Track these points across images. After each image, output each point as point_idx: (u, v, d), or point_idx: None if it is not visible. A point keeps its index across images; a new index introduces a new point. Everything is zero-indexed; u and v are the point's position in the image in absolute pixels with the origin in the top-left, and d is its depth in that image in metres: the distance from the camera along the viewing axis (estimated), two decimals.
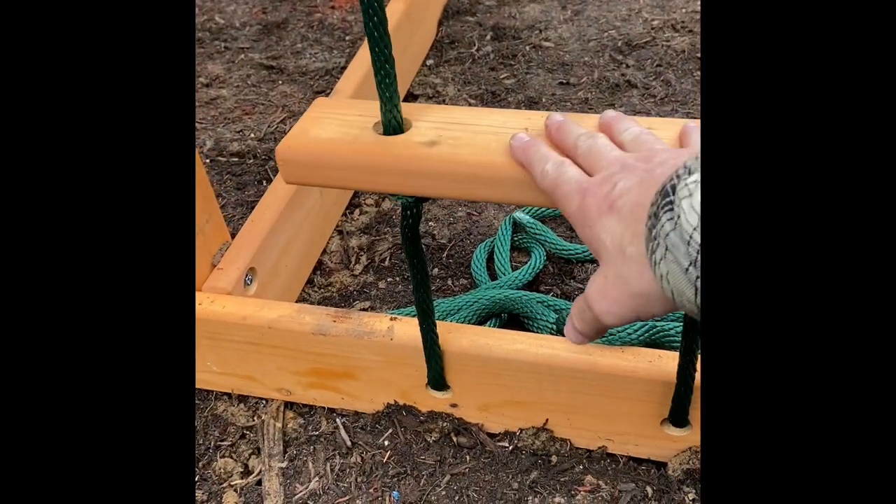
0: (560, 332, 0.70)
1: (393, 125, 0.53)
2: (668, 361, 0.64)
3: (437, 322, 0.71)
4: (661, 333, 0.68)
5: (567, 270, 0.90)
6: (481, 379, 0.70)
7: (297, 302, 0.92)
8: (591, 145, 0.44)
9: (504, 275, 0.89)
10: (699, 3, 1.41)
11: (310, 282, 0.95)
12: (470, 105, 1.24)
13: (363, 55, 1.18)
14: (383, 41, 0.48)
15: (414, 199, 0.54)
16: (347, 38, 1.49)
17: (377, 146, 0.53)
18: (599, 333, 0.44)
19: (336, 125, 0.55)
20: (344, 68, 1.30)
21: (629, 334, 0.66)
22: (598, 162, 0.43)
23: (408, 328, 0.70)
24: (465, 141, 0.53)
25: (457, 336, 0.69)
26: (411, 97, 1.28)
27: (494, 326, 0.82)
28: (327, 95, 1.31)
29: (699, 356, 0.60)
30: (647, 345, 0.68)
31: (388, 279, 0.94)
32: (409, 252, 0.58)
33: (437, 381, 0.71)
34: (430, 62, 1.37)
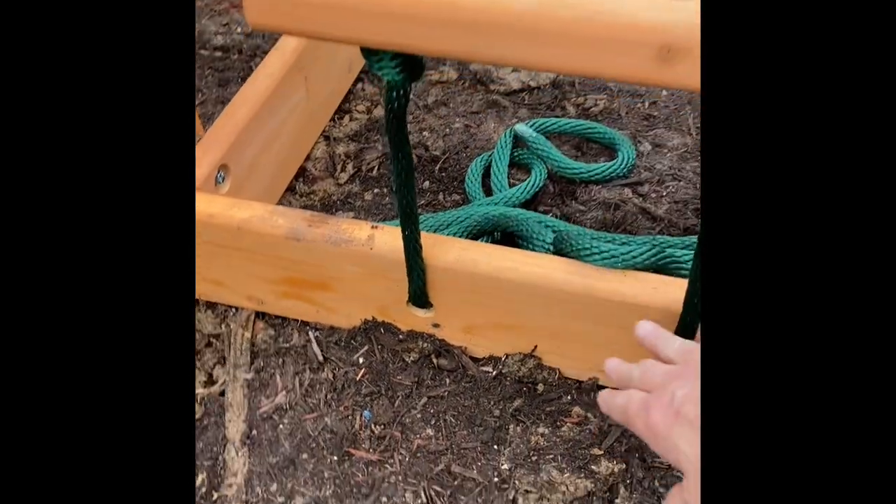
0: (558, 253, 0.64)
1: None
2: (673, 289, 0.58)
3: (423, 234, 0.65)
4: (670, 259, 0.62)
5: (569, 191, 0.83)
6: (467, 297, 0.64)
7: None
8: (644, 370, 0.48)
9: (500, 192, 0.82)
10: None
11: (291, 189, 0.89)
12: None
13: None
14: None
15: (402, 77, 0.46)
16: None
17: None
18: None
19: None
20: None
21: (633, 257, 0.60)
22: (652, 380, 0.47)
23: (390, 238, 0.64)
24: None
25: (442, 249, 0.63)
26: None
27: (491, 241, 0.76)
28: None
29: None
30: (654, 270, 0.62)
31: (375, 190, 0.87)
32: (393, 143, 0.51)
33: (419, 297, 0.65)
34: None
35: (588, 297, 0.60)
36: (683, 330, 0.57)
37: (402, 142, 0.52)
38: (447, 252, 0.63)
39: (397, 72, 0.46)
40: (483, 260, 0.62)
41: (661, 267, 0.62)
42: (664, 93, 0.98)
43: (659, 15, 0.38)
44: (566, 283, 0.60)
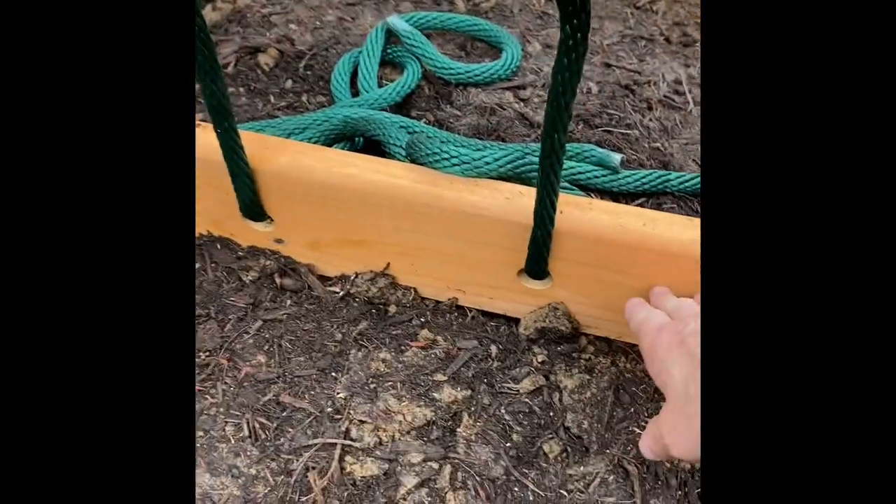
0: (411, 159, 0.56)
1: None
2: (529, 201, 0.52)
3: (251, 134, 0.56)
4: (530, 167, 0.55)
5: (444, 93, 0.75)
6: (307, 210, 0.56)
7: None
8: (680, 304, 0.48)
9: (367, 93, 0.73)
10: None
11: None
12: None
13: None
14: None
15: None
16: None
17: None
18: (669, 458, 0.46)
19: None
20: None
21: (487, 163, 0.53)
22: (679, 311, 0.46)
23: (214, 138, 0.55)
24: None
25: (274, 152, 0.55)
26: None
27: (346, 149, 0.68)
28: None
29: (558, 194, 0.48)
30: (512, 179, 0.56)
31: (230, 89, 0.77)
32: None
33: (250, 208, 0.57)
34: None
35: (436, 208, 0.53)
36: (535, 245, 0.51)
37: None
38: (279, 155, 0.55)
39: None
40: (320, 166, 0.54)
41: (521, 175, 0.55)
42: None
43: None
44: (412, 193, 0.53)
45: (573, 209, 0.52)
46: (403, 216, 0.55)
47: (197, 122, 0.56)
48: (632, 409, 0.52)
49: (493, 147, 0.63)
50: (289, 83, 0.77)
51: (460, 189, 0.53)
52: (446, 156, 0.53)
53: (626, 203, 0.66)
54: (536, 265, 0.54)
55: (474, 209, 0.52)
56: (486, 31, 0.80)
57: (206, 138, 0.55)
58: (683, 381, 0.40)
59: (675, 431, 0.40)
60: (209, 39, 0.45)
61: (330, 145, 0.68)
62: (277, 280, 0.60)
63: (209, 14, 0.86)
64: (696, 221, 0.51)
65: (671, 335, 0.43)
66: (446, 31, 0.82)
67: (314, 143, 0.67)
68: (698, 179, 0.66)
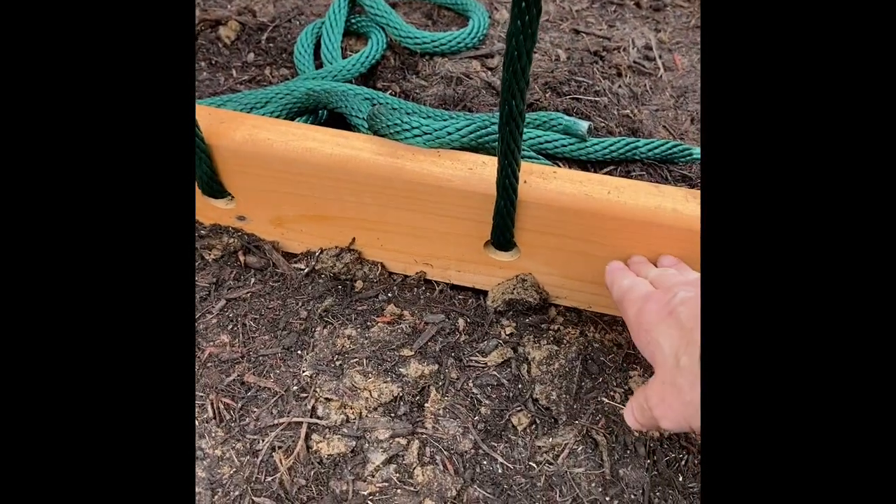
0: (373, 131, 0.55)
1: None
2: (493, 170, 0.51)
3: (206, 108, 0.55)
4: (494, 136, 0.54)
5: (410, 63, 0.74)
6: (267, 185, 0.55)
7: None
8: (662, 272, 0.47)
9: (331, 64, 0.72)
10: None
11: None
12: None
13: None
14: None
15: None
16: None
17: None
18: (657, 430, 0.45)
19: None
20: None
21: (449, 133, 0.52)
22: (664, 281, 0.45)
23: None
24: None
25: (230, 126, 0.53)
26: None
27: (308, 122, 0.66)
28: None
29: (520, 163, 0.47)
30: (477, 149, 0.54)
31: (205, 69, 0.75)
32: None
33: (209, 184, 0.55)
34: None
35: (399, 180, 0.52)
36: (499, 216, 0.50)
37: None
38: (235, 130, 0.53)
39: None
40: (278, 140, 0.53)
41: (485, 145, 0.54)
42: None
43: None
44: (373, 165, 0.52)
45: (537, 178, 0.51)
46: (366, 190, 0.53)
47: None
48: (600, 380, 0.52)
49: (457, 117, 0.62)
50: (251, 56, 0.75)
51: (422, 160, 0.52)
52: (407, 126, 0.52)
53: (595, 171, 0.65)
54: (502, 236, 0.53)
55: (437, 181, 0.51)
56: None
57: None
58: (673, 353, 0.39)
59: (664, 403, 0.39)
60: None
61: (293, 119, 0.66)
62: (241, 258, 0.59)
63: None
64: (662, 188, 0.51)
65: (659, 305, 0.42)
66: (413, 0, 0.80)
67: (276, 116, 0.65)
68: (667, 145, 0.65)
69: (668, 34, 0.80)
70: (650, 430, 0.46)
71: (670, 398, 0.39)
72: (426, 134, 0.51)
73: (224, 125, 0.53)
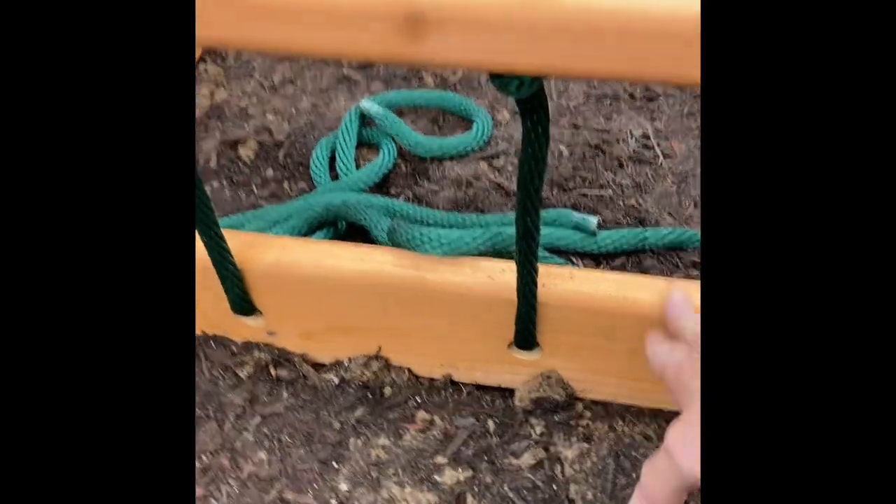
0: (394, 243, 0.58)
1: None
2: (512, 275, 0.53)
3: (236, 234, 0.58)
4: (509, 240, 0.57)
5: (422, 169, 0.77)
6: (296, 301, 0.58)
7: None
8: (698, 337, 0.46)
9: (346, 175, 0.75)
10: None
11: None
12: None
13: None
14: None
15: None
16: None
17: None
18: (679, 498, 0.40)
19: None
20: None
21: (467, 243, 0.54)
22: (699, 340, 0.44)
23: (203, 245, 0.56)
24: None
25: (259, 251, 0.56)
26: None
27: (328, 237, 0.69)
28: None
29: (538, 271, 0.49)
30: (492, 254, 0.57)
31: (214, 183, 0.79)
32: None
33: (241, 305, 0.58)
34: None
35: (421, 290, 0.54)
36: (521, 320, 0.52)
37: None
38: (264, 253, 0.56)
39: None
40: (305, 260, 0.55)
41: (500, 249, 0.57)
42: None
43: None
44: (397, 278, 0.54)
45: (555, 281, 0.53)
46: (390, 300, 0.56)
47: None
48: (633, 475, 0.53)
49: (472, 222, 0.65)
50: (270, 172, 0.79)
51: (443, 271, 0.54)
52: (426, 238, 0.54)
53: (607, 263, 0.68)
54: (524, 338, 0.55)
55: (459, 289, 0.53)
56: (456, 103, 0.83)
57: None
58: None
59: (685, 441, 0.38)
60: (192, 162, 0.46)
61: (314, 231, 0.70)
62: (273, 371, 0.61)
63: None
64: (676, 283, 0.53)
65: (696, 364, 0.42)
66: (417, 107, 0.85)
67: (299, 230, 0.69)
68: (675, 234, 0.67)
69: (664, 122, 0.84)
70: (670, 486, 0.41)
71: (691, 435, 0.38)
72: (444, 244, 0.54)
73: (253, 249, 0.56)
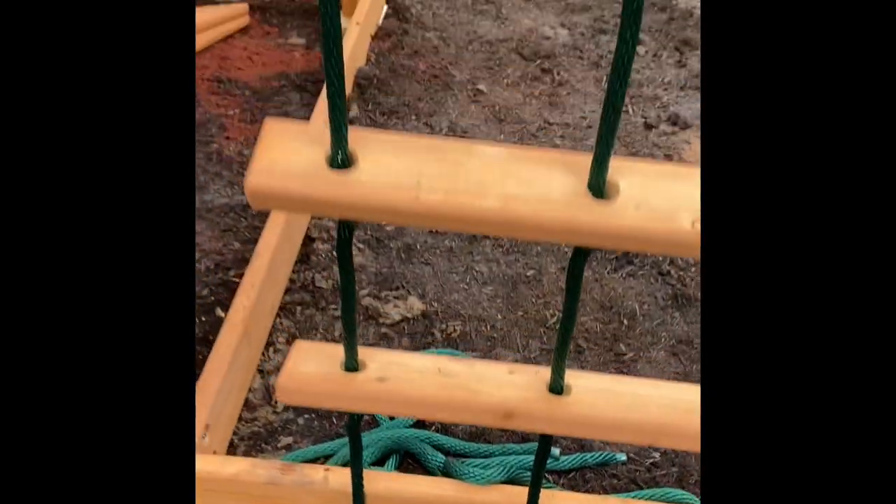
0: (446, 473, 1.00)
1: None
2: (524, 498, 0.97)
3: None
4: (521, 472, 1.00)
5: None
6: None
7: (230, 436, 1.14)
8: None
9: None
10: None
11: (239, 417, 1.18)
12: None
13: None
14: None
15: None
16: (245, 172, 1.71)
17: None
18: None
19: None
20: (246, 206, 1.54)
21: (497, 475, 0.97)
22: None
23: (339, 476, 0.97)
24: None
25: (375, 482, 0.97)
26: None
27: (394, 462, 1.11)
28: (235, 232, 1.54)
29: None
30: (508, 482, 1.00)
31: (306, 415, 1.19)
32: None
33: None
34: None
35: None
36: None
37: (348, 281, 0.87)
38: (379, 482, 0.97)
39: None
40: (415, 489, 0.97)
41: (515, 479, 1.00)
42: (500, 319, 1.40)
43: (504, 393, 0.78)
44: (454, 500, 0.96)
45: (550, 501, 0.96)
46: None
47: (325, 468, 0.98)
48: None
49: (487, 448, 1.09)
50: None
51: (484, 494, 0.97)
52: (471, 473, 0.97)
53: (564, 476, 1.12)
54: None
55: None
56: None
57: (332, 477, 0.97)
58: None
59: None
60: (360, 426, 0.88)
61: (384, 459, 1.11)
62: None
63: (274, 356, 1.29)
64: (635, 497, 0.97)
65: None
66: None
67: (375, 457, 1.09)
68: (604, 455, 1.13)
69: (613, 368, 1.32)
70: None
71: None
72: (483, 478, 0.97)
73: (371, 483, 0.97)
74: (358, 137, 0.52)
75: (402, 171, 0.52)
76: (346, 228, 0.61)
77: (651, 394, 0.69)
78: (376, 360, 0.83)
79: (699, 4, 2.51)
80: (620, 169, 0.48)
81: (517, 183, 0.51)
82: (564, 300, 0.58)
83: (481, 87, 2.02)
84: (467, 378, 0.79)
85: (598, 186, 0.48)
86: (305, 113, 1.87)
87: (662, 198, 0.47)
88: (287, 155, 0.54)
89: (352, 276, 0.62)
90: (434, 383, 0.80)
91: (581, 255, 0.55)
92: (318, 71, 2.05)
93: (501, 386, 0.77)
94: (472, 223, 0.54)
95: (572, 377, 0.69)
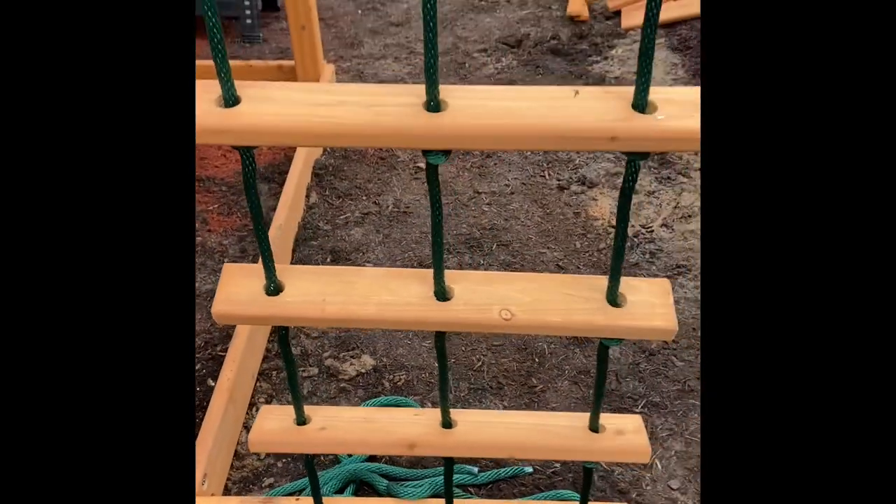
0: (389, 494, 1.33)
1: None
2: None
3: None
4: (441, 489, 1.33)
5: None
6: None
7: (225, 481, 1.47)
8: None
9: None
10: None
11: (231, 465, 1.51)
12: None
13: None
14: None
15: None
16: (226, 261, 2.06)
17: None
18: None
19: None
20: None
21: (425, 491, 1.30)
22: None
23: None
24: None
25: None
26: None
27: (352, 489, 1.44)
28: None
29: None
30: (434, 496, 1.32)
31: (284, 459, 1.52)
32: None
33: None
34: None
35: None
36: None
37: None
38: None
39: None
40: None
41: (439, 493, 1.34)
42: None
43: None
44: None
45: None
46: None
47: (297, 498, 1.31)
48: None
49: (421, 472, 1.42)
50: None
51: None
52: (406, 493, 1.30)
53: (483, 488, 1.45)
54: None
55: None
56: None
57: None
58: None
59: None
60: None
61: (344, 487, 1.44)
62: None
63: (257, 413, 1.62)
64: None
65: None
66: None
67: (336, 487, 1.42)
68: (514, 469, 1.46)
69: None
70: None
71: None
72: (415, 495, 1.30)
73: None
74: (283, 270, 0.88)
75: (314, 291, 0.88)
76: (283, 329, 0.97)
77: (533, 423, 1.04)
78: (319, 414, 1.18)
79: (613, 69, 2.90)
80: (454, 277, 0.84)
81: (388, 293, 0.87)
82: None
83: (421, 164, 2.38)
84: (384, 422, 1.14)
85: (442, 292, 0.83)
86: (273, 202, 2.22)
87: (482, 296, 0.85)
88: (238, 289, 0.91)
89: (293, 364, 0.97)
90: (361, 428, 1.14)
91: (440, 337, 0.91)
92: (282, 163, 2.41)
93: (407, 425, 1.12)
94: (359, 323, 0.89)
95: (458, 414, 1.04)
